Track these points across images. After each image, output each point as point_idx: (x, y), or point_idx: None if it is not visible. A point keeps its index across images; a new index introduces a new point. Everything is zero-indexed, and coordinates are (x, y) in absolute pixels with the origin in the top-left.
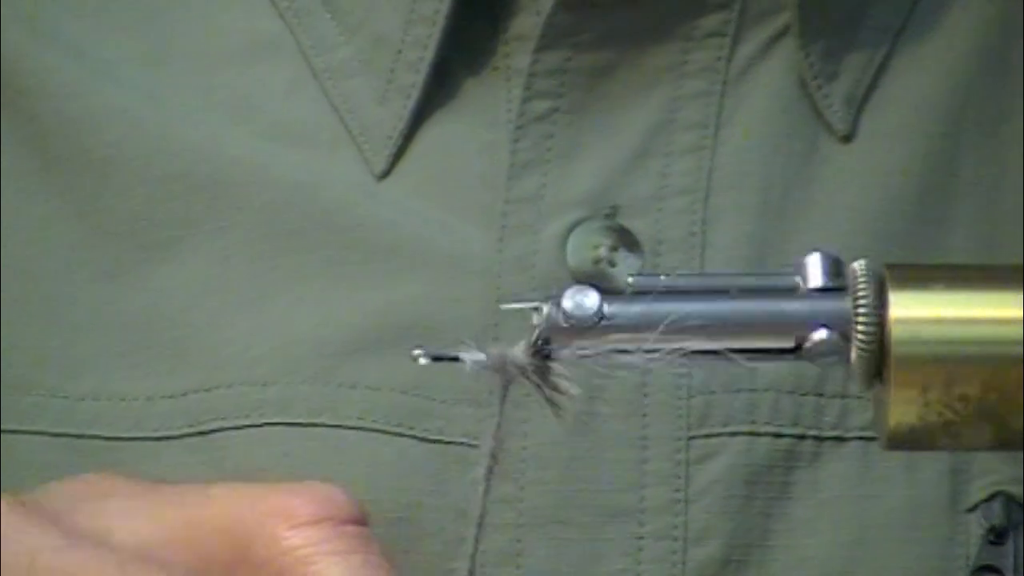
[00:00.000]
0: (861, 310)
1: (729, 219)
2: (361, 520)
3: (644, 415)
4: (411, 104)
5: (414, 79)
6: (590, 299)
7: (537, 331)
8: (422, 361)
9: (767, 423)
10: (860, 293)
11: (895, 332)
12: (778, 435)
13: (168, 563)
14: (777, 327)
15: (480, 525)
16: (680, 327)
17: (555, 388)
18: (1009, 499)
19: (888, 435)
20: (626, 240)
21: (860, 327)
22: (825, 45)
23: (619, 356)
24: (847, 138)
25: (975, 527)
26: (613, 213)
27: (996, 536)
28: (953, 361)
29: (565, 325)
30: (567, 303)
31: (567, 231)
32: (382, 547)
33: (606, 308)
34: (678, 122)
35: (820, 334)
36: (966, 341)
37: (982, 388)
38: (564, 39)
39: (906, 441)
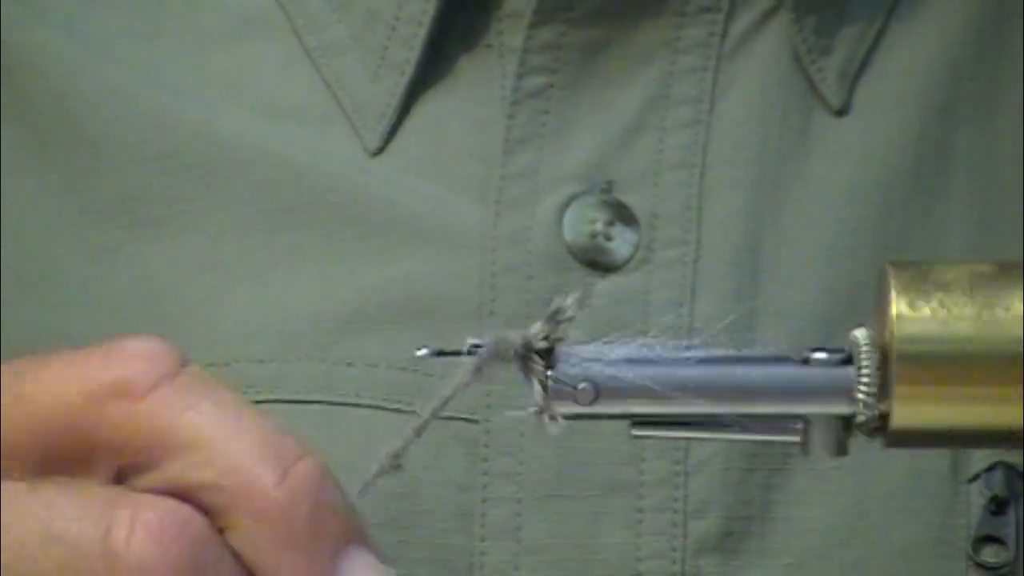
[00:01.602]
0: (864, 381)
1: (725, 193)
2: (185, 359)
3: None
4: (404, 81)
5: (407, 55)
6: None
7: (536, 329)
8: (423, 352)
9: None
10: (864, 365)
11: (897, 329)
12: None
13: (18, 474)
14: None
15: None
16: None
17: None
18: (1009, 469)
19: (889, 434)
20: (622, 215)
21: (863, 398)
22: (818, 20)
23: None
24: (841, 112)
25: (976, 497)
26: (609, 188)
27: (997, 506)
28: (954, 359)
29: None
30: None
31: (563, 206)
32: (210, 376)
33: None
34: (672, 97)
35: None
36: (967, 339)
37: (983, 386)
38: (557, 15)
39: (907, 440)
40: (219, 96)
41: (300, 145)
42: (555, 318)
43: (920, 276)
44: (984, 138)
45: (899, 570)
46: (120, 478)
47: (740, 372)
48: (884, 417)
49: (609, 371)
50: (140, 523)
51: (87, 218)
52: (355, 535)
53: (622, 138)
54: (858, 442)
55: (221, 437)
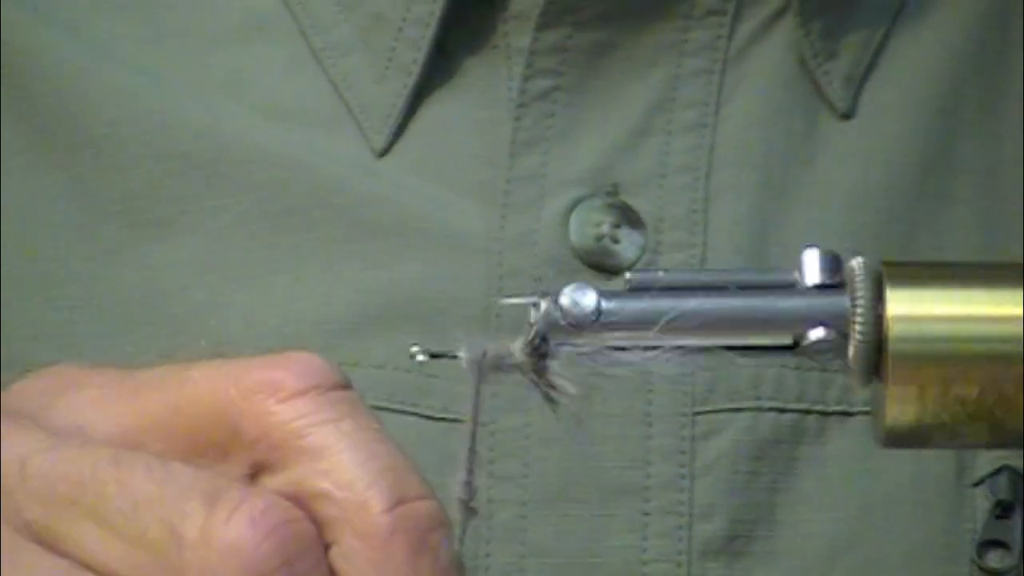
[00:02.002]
0: (859, 306)
1: (730, 196)
2: (346, 384)
3: (649, 392)
4: (411, 82)
5: (414, 56)
6: (588, 297)
7: (534, 329)
8: (420, 358)
9: (772, 399)
10: (858, 289)
11: (893, 329)
12: (783, 410)
13: (161, 451)
14: (775, 324)
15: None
16: (678, 325)
17: (553, 385)
18: (1015, 473)
19: (885, 433)
20: (628, 217)
21: (858, 323)
22: (825, 23)
23: (617, 354)
24: (847, 116)
25: (981, 501)
26: (615, 191)
27: (1002, 510)
28: (951, 359)
29: (562, 323)
30: (564, 300)
31: (569, 209)
32: (369, 409)
33: (604, 305)
34: (678, 100)
35: (818, 331)
36: (965, 339)
37: (980, 386)
38: (564, 17)
39: (903, 439)
40: (224, 97)
41: (305, 146)
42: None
43: (916, 276)
44: (988, 143)
45: (904, 574)
46: (252, 478)
47: (736, 300)
48: (879, 348)
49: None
50: (246, 506)
51: (92, 219)
52: None
53: (628, 141)
54: (862, 447)
55: (348, 453)
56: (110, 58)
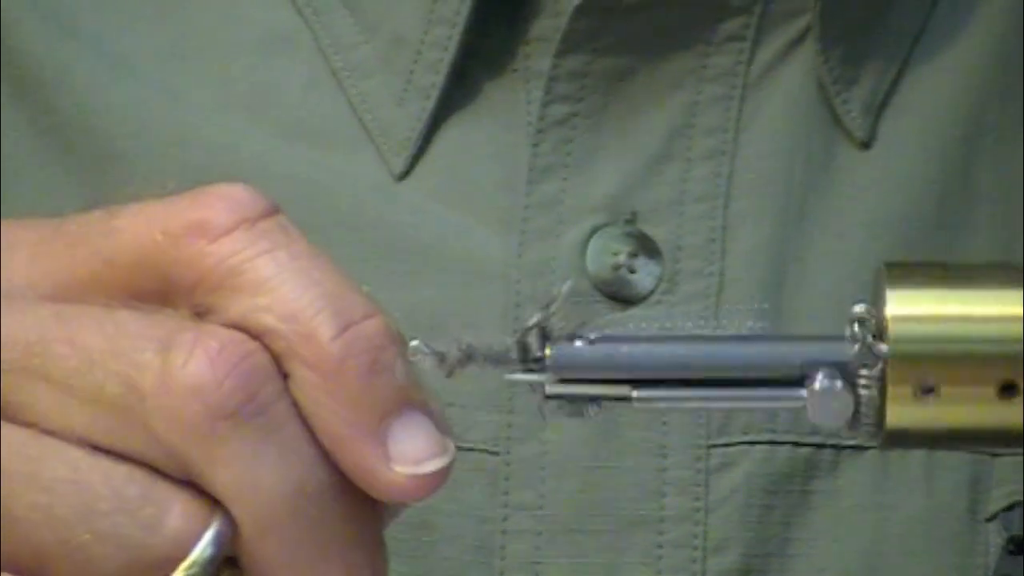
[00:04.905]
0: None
1: (748, 225)
2: (273, 210)
3: (664, 423)
4: (430, 105)
5: (433, 80)
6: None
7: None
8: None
9: (787, 432)
10: (859, 336)
11: (892, 329)
12: (798, 444)
13: (103, 303)
14: (772, 369)
15: None
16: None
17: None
18: None
19: (885, 434)
20: (646, 246)
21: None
22: (844, 51)
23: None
24: (866, 145)
25: (994, 537)
26: (632, 219)
27: (1015, 546)
28: (950, 359)
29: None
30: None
31: (586, 237)
32: (300, 232)
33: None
34: (697, 127)
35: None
36: (964, 339)
37: (980, 386)
38: (584, 43)
39: (903, 440)
40: (243, 113)
41: (323, 167)
42: (548, 308)
43: (915, 277)
44: (1008, 170)
45: None
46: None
47: (738, 344)
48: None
49: (609, 344)
50: (201, 347)
51: None
52: (413, 402)
53: (647, 168)
54: (876, 481)
55: (288, 284)
56: (131, 74)
